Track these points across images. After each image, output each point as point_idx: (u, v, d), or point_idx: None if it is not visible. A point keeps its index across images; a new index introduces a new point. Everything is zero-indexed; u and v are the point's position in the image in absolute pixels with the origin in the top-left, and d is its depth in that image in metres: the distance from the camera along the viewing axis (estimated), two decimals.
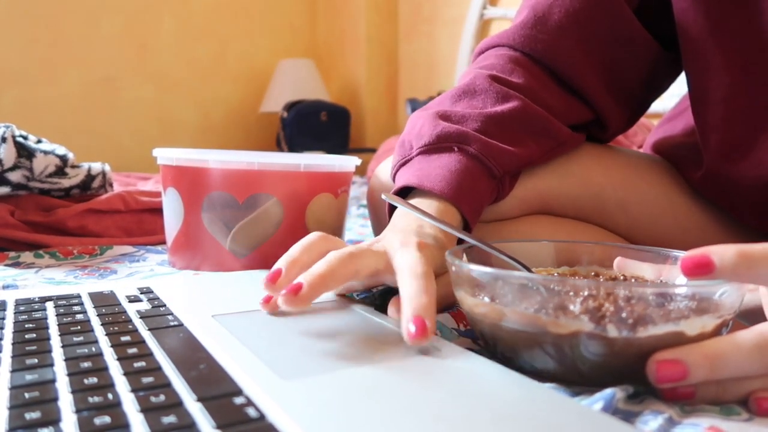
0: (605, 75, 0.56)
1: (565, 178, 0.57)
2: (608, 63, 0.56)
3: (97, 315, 0.39)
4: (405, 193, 0.51)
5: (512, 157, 0.51)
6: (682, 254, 0.39)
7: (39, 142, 0.85)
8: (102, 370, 0.29)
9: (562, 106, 0.55)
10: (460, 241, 0.49)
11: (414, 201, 0.48)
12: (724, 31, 0.49)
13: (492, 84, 0.53)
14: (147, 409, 0.25)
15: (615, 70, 0.56)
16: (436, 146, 0.50)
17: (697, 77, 0.52)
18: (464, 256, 0.39)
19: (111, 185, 0.90)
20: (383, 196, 0.45)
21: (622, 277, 0.41)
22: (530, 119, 0.52)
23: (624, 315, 0.29)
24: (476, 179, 0.49)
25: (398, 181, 0.51)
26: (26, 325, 0.37)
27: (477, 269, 0.33)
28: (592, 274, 0.42)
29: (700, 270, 0.28)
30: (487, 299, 0.33)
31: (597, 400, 0.28)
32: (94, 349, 0.33)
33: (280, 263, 0.41)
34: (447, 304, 0.43)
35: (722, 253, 0.28)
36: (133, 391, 0.27)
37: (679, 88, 0.61)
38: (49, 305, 0.42)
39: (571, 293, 0.30)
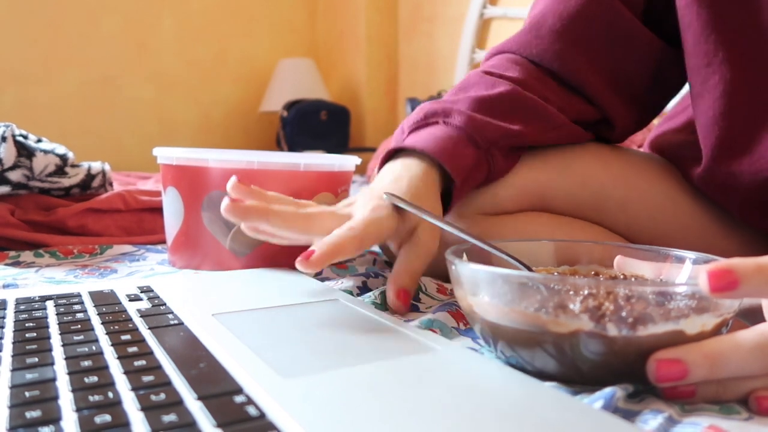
0: (607, 74, 0.57)
1: (565, 174, 0.57)
2: (609, 63, 0.57)
3: (98, 314, 0.39)
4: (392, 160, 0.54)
5: (498, 129, 0.52)
6: (682, 253, 0.39)
7: (39, 141, 0.85)
8: (102, 368, 0.29)
9: (563, 102, 0.57)
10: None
11: (398, 161, 0.52)
12: (727, 26, 0.49)
13: (483, 77, 0.56)
14: (147, 408, 0.25)
15: (617, 69, 0.57)
16: (423, 122, 0.54)
17: (698, 72, 0.52)
18: (464, 255, 0.39)
19: (111, 184, 0.90)
20: (384, 196, 0.45)
21: (622, 277, 0.41)
22: (519, 101, 0.55)
23: (624, 314, 0.29)
24: (460, 145, 0.51)
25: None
26: (26, 324, 0.37)
27: (476, 268, 0.33)
28: (592, 273, 0.42)
29: (726, 287, 0.26)
30: (486, 298, 0.33)
31: (597, 399, 0.28)
32: (94, 347, 0.33)
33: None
34: (411, 272, 0.46)
35: (744, 268, 0.26)
36: (134, 389, 0.27)
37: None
38: (50, 304, 0.42)
39: (571, 292, 0.30)
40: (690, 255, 0.38)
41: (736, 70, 0.49)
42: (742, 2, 0.49)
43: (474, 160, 0.51)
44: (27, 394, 0.26)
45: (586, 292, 0.30)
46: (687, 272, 0.38)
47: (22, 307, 0.41)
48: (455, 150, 0.50)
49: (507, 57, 0.58)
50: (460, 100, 0.54)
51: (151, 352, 0.32)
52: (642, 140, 1.29)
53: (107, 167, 0.89)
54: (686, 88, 0.57)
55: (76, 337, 0.34)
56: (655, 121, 1.08)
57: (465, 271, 0.34)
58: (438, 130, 0.52)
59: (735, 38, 0.49)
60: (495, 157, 0.53)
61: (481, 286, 0.33)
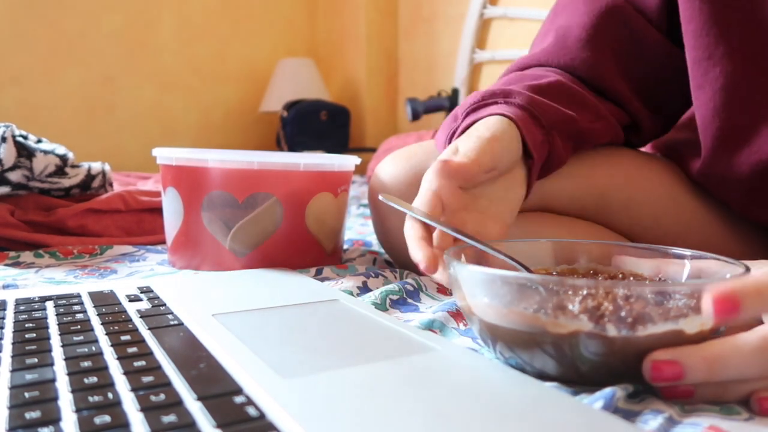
0: (633, 82, 0.58)
1: (568, 176, 0.57)
2: (634, 71, 0.58)
3: (97, 314, 0.39)
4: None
5: (557, 113, 0.51)
6: (680, 251, 0.39)
7: (39, 141, 0.85)
8: (102, 369, 0.29)
9: (599, 102, 0.57)
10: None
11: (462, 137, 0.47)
12: (728, 20, 0.50)
13: (524, 74, 0.56)
14: (147, 408, 0.25)
15: (641, 78, 0.58)
16: (481, 103, 0.51)
17: (699, 65, 0.52)
18: (462, 256, 0.39)
19: (111, 185, 0.90)
20: (380, 197, 0.45)
21: (620, 275, 0.41)
22: (567, 90, 0.54)
23: (623, 314, 0.29)
24: (525, 121, 0.48)
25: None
26: (26, 325, 0.37)
27: (475, 269, 0.33)
28: (591, 272, 0.42)
29: (729, 311, 0.28)
30: (485, 299, 0.33)
31: (597, 399, 0.28)
32: (94, 348, 0.33)
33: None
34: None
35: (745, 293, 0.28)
36: (133, 390, 0.27)
37: None
38: (49, 305, 0.42)
39: (570, 293, 0.30)
40: (687, 253, 0.38)
41: (737, 63, 0.50)
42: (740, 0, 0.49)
43: (540, 136, 0.49)
44: (26, 394, 0.26)
45: (584, 292, 0.30)
46: (686, 271, 0.38)
47: (21, 307, 0.41)
48: (526, 125, 0.48)
49: (537, 68, 0.59)
50: (515, 87, 0.52)
51: (151, 353, 0.32)
52: None
53: (107, 167, 0.89)
54: None
55: (75, 338, 0.34)
56: None
57: (463, 273, 0.34)
58: (500, 108, 0.49)
59: (736, 32, 0.50)
60: (555, 141, 0.51)
61: (480, 288, 0.33)
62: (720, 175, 0.54)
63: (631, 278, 0.40)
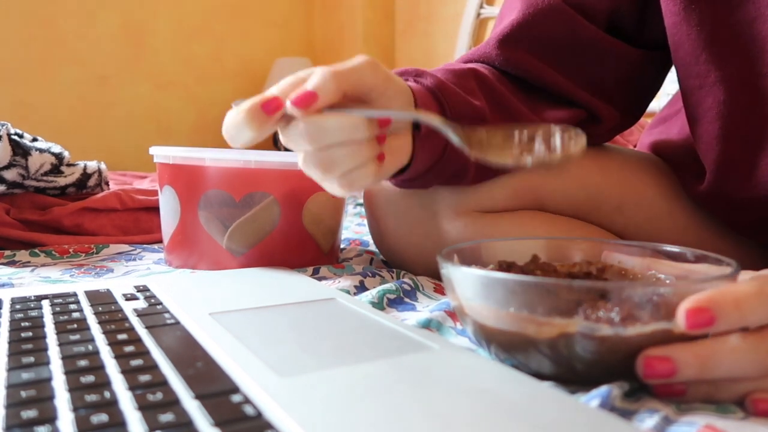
0: (578, 79, 0.56)
1: (562, 175, 0.57)
2: (574, 66, 0.56)
3: (94, 313, 0.39)
4: None
5: (466, 103, 0.48)
6: (671, 249, 0.39)
7: (34, 140, 0.84)
8: (99, 368, 0.29)
9: (531, 105, 0.55)
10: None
11: None
12: (718, 45, 0.48)
13: (448, 63, 0.54)
14: (144, 407, 0.25)
15: (587, 75, 0.56)
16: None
17: (691, 95, 0.51)
18: (455, 257, 0.39)
19: (107, 184, 0.90)
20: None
21: (608, 272, 0.41)
22: (484, 80, 0.52)
23: (615, 313, 0.29)
24: (427, 99, 0.46)
25: None
26: (22, 324, 0.37)
27: (467, 271, 0.33)
28: (581, 268, 0.42)
29: (702, 324, 0.28)
30: (478, 301, 0.32)
31: (593, 398, 0.28)
32: (90, 347, 0.33)
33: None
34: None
35: (721, 307, 0.28)
36: (130, 389, 0.27)
37: (671, 87, 0.61)
38: (45, 304, 0.42)
39: (562, 292, 0.30)
40: (677, 250, 0.38)
41: (729, 92, 0.48)
42: (731, 19, 0.47)
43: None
44: (23, 393, 0.26)
45: (577, 292, 0.30)
46: (676, 269, 0.38)
47: (17, 306, 0.41)
48: (423, 99, 0.45)
49: (471, 69, 0.55)
50: (431, 71, 0.50)
51: (148, 352, 0.32)
52: (637, 140, 1.29)
53: (103, 166, 0.89)
54: (676, 86, 0.56)
55: (72, 337, 0.34)
56: (648, 120, 1.08)
57: (456, 275, 0.34)
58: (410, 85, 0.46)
59: (726, 57, 0.48)
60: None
61: (473, 289, 0.33)
62: (720, 203, 0.54)
63: (622, 272, 0.40)
